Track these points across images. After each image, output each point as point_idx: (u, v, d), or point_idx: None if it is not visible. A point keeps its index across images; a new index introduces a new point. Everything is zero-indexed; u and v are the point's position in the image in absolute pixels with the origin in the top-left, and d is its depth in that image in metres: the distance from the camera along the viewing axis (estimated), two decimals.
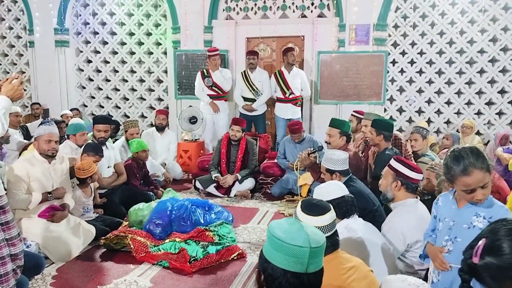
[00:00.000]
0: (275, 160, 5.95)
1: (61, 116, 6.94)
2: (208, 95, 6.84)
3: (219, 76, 6.83)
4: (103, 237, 3.80)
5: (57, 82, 8.25)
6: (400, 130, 7.30)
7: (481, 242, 1.18)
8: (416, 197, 2.99)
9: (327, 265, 1.84)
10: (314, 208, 1.93)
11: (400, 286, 1.67)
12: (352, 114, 5.78)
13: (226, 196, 5.58)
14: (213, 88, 6.81)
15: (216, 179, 5.61)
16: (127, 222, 4.18)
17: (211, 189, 5.63)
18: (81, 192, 4.11)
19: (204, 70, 6.90)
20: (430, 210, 3.03)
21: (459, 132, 6.66)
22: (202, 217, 4.00)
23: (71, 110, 7.84)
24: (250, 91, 6.77)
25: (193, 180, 5.93)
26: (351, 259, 1.96)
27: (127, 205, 4.41)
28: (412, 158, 4.53)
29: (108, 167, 4.82)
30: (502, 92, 7.00)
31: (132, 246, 3.64)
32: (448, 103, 7.22)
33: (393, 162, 3.02)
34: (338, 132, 4.60)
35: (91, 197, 4.22)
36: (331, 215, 1.93)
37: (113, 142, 5.75)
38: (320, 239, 1.33)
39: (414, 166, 3.02)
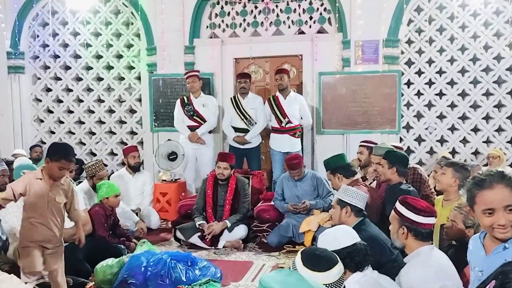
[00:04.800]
0: (272, 203, 5.92)
1: (13, 155, 6.89)
2: (188, 126, 6.87)
3: (201, 103, 6.89)
4: None
5: (9, 115, 8.27)
6: (420, 163, 7.32)
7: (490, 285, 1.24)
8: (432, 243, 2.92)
9: None
10: (318, 261, 1.90)
11: None
12: (361, 145, 5.83)
13: (213, 247, 5.52)
14: (195, 117, 6.85)
15: (200, 228, 5.56)
16: (93, 283, 4.11)
17: (195, 239, 5.57)
18: None
19: (184, 97, 6.96)
20: (459, 259, 3.01)
21: (487, 165, 6.69)
22: (183, 274, 3.96)
23: (32, 147, 7.84)
24: (242, 119, 6.82)
25: (173, 230, 5.86)
26: None
27: (93, 261, 4.35)
28: (435, 196, 4.53)
29: None
30: None
31: None
32: (475, 130, 7.30)
33: (397, 205, 2.94)
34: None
35: None
36: (339, 268, 1.91)
37: (76, 185, 5.69)
38: None
39: (424, 207, 2.87)
